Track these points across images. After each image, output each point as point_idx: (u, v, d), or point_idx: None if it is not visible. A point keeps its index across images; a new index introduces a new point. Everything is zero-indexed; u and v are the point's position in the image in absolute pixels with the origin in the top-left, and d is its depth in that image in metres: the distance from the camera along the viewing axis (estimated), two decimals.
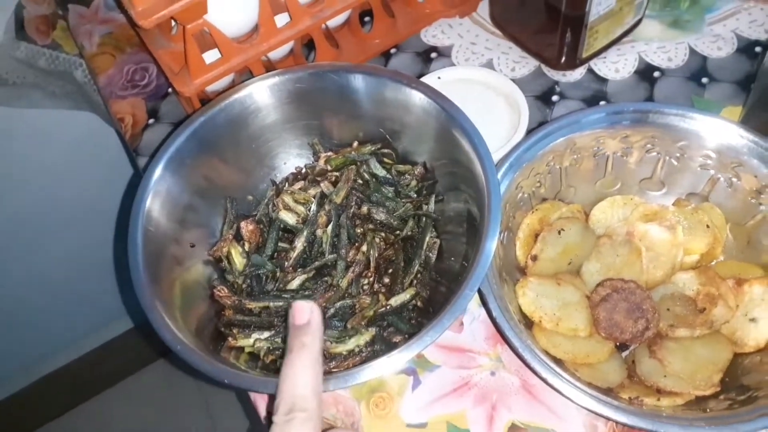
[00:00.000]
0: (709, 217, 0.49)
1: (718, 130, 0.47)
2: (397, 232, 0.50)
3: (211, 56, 0.56)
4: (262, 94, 0.50)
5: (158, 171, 0.47)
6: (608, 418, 0.38)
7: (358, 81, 0.50)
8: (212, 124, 0.49)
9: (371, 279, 0.48)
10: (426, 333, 0.39)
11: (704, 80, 0.60)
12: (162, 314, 0.41)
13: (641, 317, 0.45)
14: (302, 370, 0.33)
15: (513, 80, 0.62)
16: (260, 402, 0.48)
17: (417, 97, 0.48)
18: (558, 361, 0.45)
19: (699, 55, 0.62)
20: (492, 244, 0.41)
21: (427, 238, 0.50)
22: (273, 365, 0.44)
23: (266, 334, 0.45)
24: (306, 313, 0.35)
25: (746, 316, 0.45)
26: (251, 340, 0.44)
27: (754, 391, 0.40)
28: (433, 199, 0.51)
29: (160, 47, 0.57)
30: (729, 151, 0.47)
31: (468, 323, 0.51)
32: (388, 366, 0.38)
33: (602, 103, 0.60)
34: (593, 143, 0.49)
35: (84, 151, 0.96)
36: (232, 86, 0.51)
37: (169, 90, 0.68)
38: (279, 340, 0.45)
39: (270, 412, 0.32)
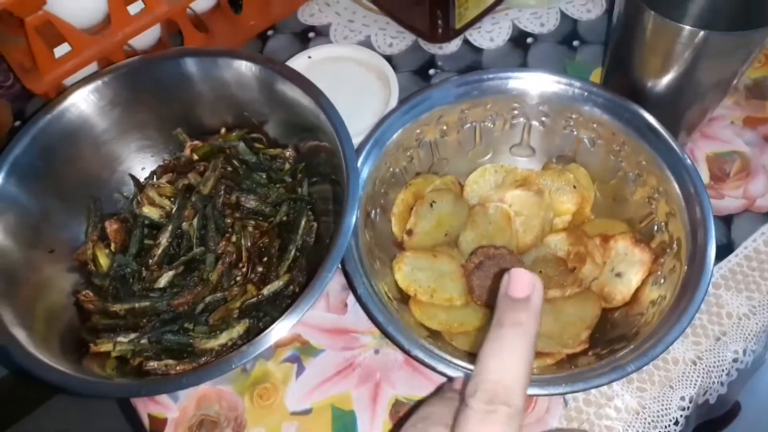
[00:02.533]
0: (575, 178, 0.49)
1: (543, 83, 0.48)
2: (271, 218, 0.49)
3: (63, 50, 0.53)
4: (114, 86, 0.47)
5: None
6: None
7: (217, 66, 0.48)
8: (58, 124, 0.46)
9: (245, 269, 0.47)
10: (286, 317, 0.38)
11: (575, 43, 0.61)
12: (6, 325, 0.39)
13: None
14: (512, 354, 0.25)
15: (391, 56, 0.62)
16: (140, 406, 0.47)
17: (276, 80, 0.47)
18: (435, 333, 0.45)
19: (570, 19, 0.63)
20: (350, 221, 0.40)
21: (303, 222, 0.49)
22: (140, 368, 0.43)
23: (131, 336, 0.43)
24: (527, 285, 0.27)
25: (612, 272, 0.46)
26: (112, 344, 0.42)
27: (616, 344, 0.41)
28: (306, 181, 0.50)
29: (7, 43, 0.53)
30: (559, 100, 0.48)
31: (351, 304, 0.50)
32: (245, 355, 0.37)
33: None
34: (458, 114, 0.49)
35: None
36: None
37: None
38: (145, 341, 0.43)
39: (462, 393, 0.26)
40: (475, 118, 0.49)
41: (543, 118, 0.50)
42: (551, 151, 0.51)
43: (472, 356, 0.41)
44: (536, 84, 0.48)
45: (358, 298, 0.41)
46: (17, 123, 0.63)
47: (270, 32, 0.65)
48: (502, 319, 0.26)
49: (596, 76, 0.59)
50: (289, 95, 0.46)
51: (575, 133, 0.49)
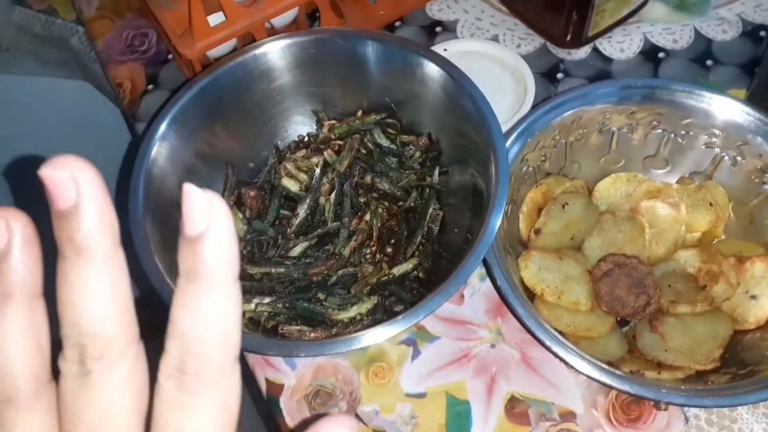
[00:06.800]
0: (712, 196, 0.49)
1: (724, 108, 0.47)
2: (400, 203, 0.50)
3: (214, 20, 0.55)
4: (268, 57, 0.49)
5: (162, 128, 0.46)
6: (612, 387, 0.38)
7: (366, 47, 0.49)
8: (217, 85, 0.48)
9: (374, 248, 0.48)
10: (429, 300, 0.38)
11: (709, 63, 0.60)
12: (164, 275, 0.41)
13: (643, 292, 0.45)
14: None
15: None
16: (258, 369, 0.48)
17: (426, 65, 0.48)
18: (560, 334, 0.45)
19: (704, 38, 0.62)
20: (498, 218, 0.41)
21: (430, 210, 0.50)
22: (274, 331, 0.44)
23: (267, 299, 0.44)
24: (205, 212, 0.17)
25: (747, 294, 0.45)
26: (252, 305, 0.44)
27: (754, 366, 0.40)
28: (437, 170, 0.51)
29: (164, 9, 0.56)
30: (735, 129, 0.47)
31: (468, 296, 0.50)
32: (389, 332, 0.37)
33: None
34: (600, 118, 0.49)
35: (78, 121, 0.94)
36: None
37: (169, 56, 0.67)
38: (280, 305, 0.44)
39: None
40: (615, 124, 0.49)
41: (683, 132, 0.49)
42: (686, 166, 0.51)
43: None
44: (693, 100, 0.47)
45: (498, 289, 0.42)
46: (150, 87, 0.65)
47: (398, 23, 0.66)
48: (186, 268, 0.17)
49: None
50: (444, 86, 0.47)
51: (717, 151, 0.49)
